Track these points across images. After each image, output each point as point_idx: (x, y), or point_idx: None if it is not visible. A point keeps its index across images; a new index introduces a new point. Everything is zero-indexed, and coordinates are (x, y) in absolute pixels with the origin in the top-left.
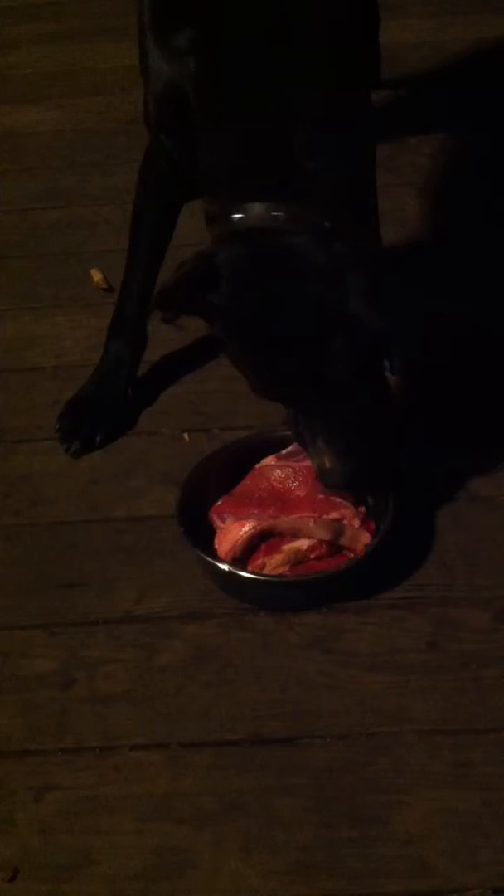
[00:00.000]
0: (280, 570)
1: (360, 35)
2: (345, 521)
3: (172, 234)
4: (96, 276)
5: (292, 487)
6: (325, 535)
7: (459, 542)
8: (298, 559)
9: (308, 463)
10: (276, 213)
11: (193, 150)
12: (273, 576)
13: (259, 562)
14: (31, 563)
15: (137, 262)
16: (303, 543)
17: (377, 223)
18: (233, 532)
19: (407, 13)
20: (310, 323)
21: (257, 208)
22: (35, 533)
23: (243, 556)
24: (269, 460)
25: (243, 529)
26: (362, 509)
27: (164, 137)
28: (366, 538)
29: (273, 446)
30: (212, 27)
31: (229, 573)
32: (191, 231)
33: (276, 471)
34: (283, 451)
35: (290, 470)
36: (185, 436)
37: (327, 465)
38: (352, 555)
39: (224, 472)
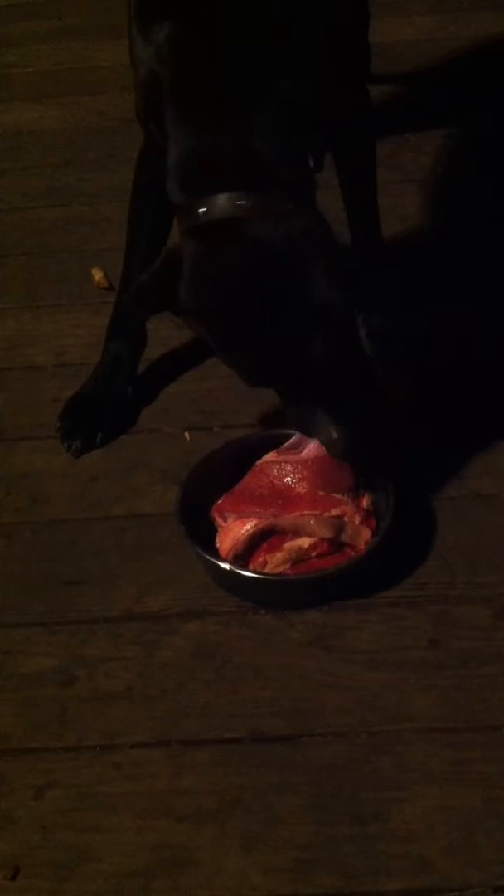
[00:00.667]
0: (281, 568)
1: (345, 28)
2: (345, 518)
3: (170, 230)
4: (97, 274)
5: (293, 484)
6: (326, 532)
7: (460, 539)
8: (300, 557)
9: (308, 457)
10: (239, 203)
11: None
12: (274, 574)
13: (261, 559)
14: (32, 561)
15: (135, 259)
16: (304, 541)
17: (377, 218)
18: (234, 530)
19: (407, 10)
20: (279, 309)
21: (221, 200)
22: (36, 531)
23: (245, 554)
24: (270, 456)
25: (245, 527)
26: (363, 505)
27: (153, 127)
28: (367, 534)
29: (274, 444)
30: (185, 21)
31: (230, 571)
32: None
33: (277, 468)
34: (284, 445)
35: (291, 467)
36: (186, 434)
37: (334, 434)
38: (353, 552)
39: (225, 470)
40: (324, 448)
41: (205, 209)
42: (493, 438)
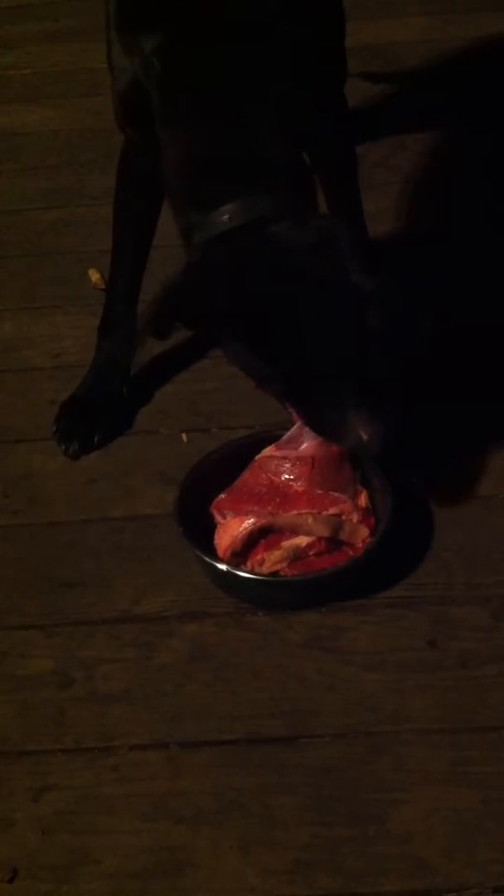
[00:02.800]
0: (279, 567)
1: (324, 35)
2: (343, 517)
3: (155, 229)
4: (94, 275)
5: (291, 481)
6: (324, 531)
7: (458, 540)
8: (298, 555)
9: (306, 454)
10: (260, 206)
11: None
12: (271, 575)
13: (258, 557)
14: (30, 563)
15: (122, 259)
16: (302, 540)
17: (362, 220)
18: (232, 527)
19: (404, 11)
20: (324, 305)
21: (242, 205)
22: (33, 532)
23: (243, 552)
24: (269, 450)
25: (243, 525)
26: (361, 504)
27: (132, 132)
28: (365, 533)
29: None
30: (179, 32)
31: (228, 572)
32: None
33: (275, 464)
34: (282, 439)
35: (289, 464)
36: (184, 435)
37: (364, 436)
38: (351, 552)
39: (222, 471)
40: (321, 444)
41: (227, 216)
42: (491, 439)
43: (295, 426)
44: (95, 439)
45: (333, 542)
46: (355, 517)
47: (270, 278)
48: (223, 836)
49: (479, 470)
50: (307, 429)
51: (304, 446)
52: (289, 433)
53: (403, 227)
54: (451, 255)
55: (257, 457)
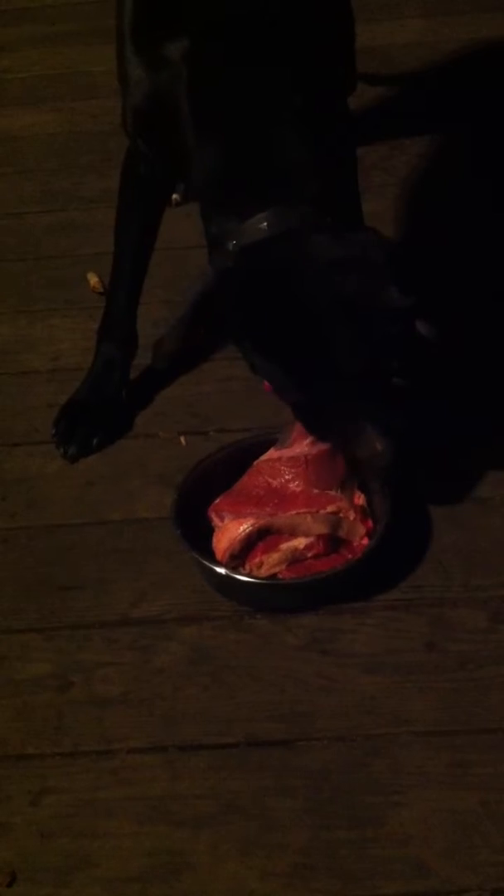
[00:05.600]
0: (278, 569)
1: (338, 43)
2: (341, 514)
3: (157, 234)
4: (92, 279)
5: (287, 482)
6: (322, 529)
7: (456, 542)
8: (296, 558)
9: (299, 454)
10: (297, 214)
11: (172, 154)
12: (269, 578)
13: (256, 560)
14: (28, 566)
15: (124, 263)
16: (300, 542)
17: (361, 219)
18: (231, 530)
19: (401, 13)
20: (355, 323)
21: (276, 213)
22: (31, 536)
23: (241, 555)
24: (269, 454)
25: (241, 527)
26: (358, 502)
27: (142, 144)
28: (362, 530)
29: (269, 448)
30: (205, 37)
31: (226, 576)
32: (184, 234)
33: (271, 466)
34: (279, 442)
35: (283, 465)
36: (182, 438)
37: (378, 448)
38: (349, 555)
39: (221, 474)
40: (311, 443)
41: (266, 223)
42: (489, 442)
43: (287, 427)
44: (94, 442)
45: (331, 545)
46: (352, 514)
47: (303, 292)
48: (222, 839)
49: (477, 472)
50: (298, 428)
51: (295, 446)
52: (283, 435)
53: (401, 230)
54: (450, 258)
55: (256, 461)
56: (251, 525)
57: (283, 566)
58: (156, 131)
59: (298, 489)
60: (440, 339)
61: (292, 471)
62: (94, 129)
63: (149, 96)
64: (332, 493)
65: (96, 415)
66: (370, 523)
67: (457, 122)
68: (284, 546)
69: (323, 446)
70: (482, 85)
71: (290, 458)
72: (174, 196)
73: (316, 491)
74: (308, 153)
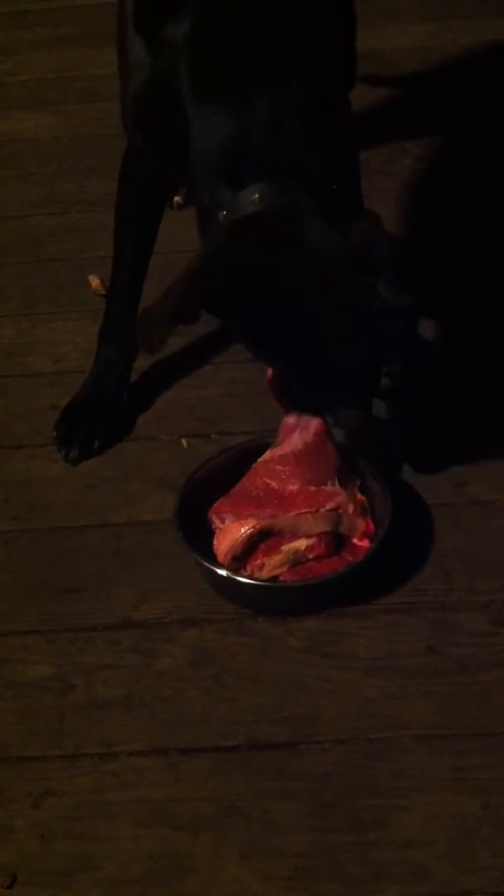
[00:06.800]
0: (279, 571)
1: (340, 28)
2: (340, 510)
3: (157, 236)
4: (94, 281)
5: (284, 481)
6: (324, 526)
7: (458, 545)
8: (297, 559)
9: (290, 451)
10: (290, 190)
11: (172, 149)
12: (271, 580)
13: (258, 562)
14: (30, 569)
15: (123, 265)
16: (301, 543)
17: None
18: (232, 532)
19: (403, 17)
20: (337, 310)
21: (269, 187)
22: (33, 538)
23: (242, 557)
24: (264, 456)
25: (243, 529)
26: (356, 494)
27: (141, 138)
28: (362, 525)
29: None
30: (207, 15)
31: (227, 578)
32: (185, 237)
33: (267, 467)
34: (273, 443)
35: (277, 465)
36: (183, 441)
37: (340, 411)
38: (350, 557)
39: (222, 476)
40: (297, 437)
41: (258, 195)
42: (490, 444)
43: (285, 421)
44: (95, 445)
45: (333, 546)
46: (351, 508)
47: (288, 273)
48: (223, 842)
49: (478, 475)
50: (284, 426)
51: (284, 444)
52: (275, 439)
53: (403, 233)
54: (452, 261)
55: (254, 464)
56: (252, 527)
57: (285, 568)
58: (157, 120)
59: (296, 488)
60: (442, 340)
61: (286, 469)
62: (96, 132)
63: (150, 80)
64: (330, 487)
65: (97, 417)
66: (371, 525)
67: (458, 125)
68: (286, 548)
69: (309, 439)
70: (483, 89)
71: (281, 456)
72: (176, 199)
73: (313, 488)
74: (307, 132)
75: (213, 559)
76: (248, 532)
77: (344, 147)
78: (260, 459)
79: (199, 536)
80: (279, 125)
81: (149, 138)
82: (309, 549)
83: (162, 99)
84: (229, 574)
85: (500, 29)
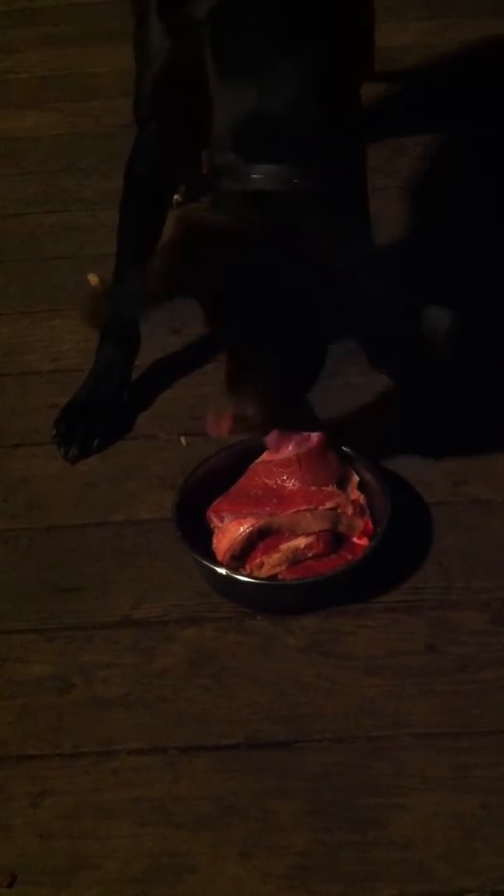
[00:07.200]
0: (278, 569)
1: (357, 21)
2: (339, 510)
3: (160, 235)
4: (93, 280)
5: (284, 482)
6: (323, 525)
7: (457, 544)
8: (296, 557)
9: (292, 455)
10: (292, 179)
11: (188, 135)
12: (270, 579)
13: (257, 561)
14: (29, 568)
15: (126, 263)
16: (301, 542)
17: (368, 222)
18: (231, 530)
19: (403, 16)
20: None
21: (276, 170)
22: (32, 537)
23: (242, 555)
24: (262, 458)
25: (242, 528)
26: (355, 498)
27: (156, 127)
28: (360, 524)
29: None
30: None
31: (227, 576)
32: None
33: (266, 468)
34: (267, 449)
35: (278, 467)
36: (183, 439)
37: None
38: (349, 555)
39: (222, 475)
40: (301, 443)
41: (262, 175)
42: (490, 443)
43: (271, 434)
44: (94, 443)
45: (332, 545)
46: (350, 509)
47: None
48: (222, 840)
49: (478, 474)
50: (277, 434)
51: (282, 450)
52: (267, 443)
53: (403, 232)
54: (452, 260)
55: (251, 465)
56: (251, 525)
57: (284, 566)
58: (175, 104)
59: (296, 487)
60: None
61: (287, 471)
62: (96, 130)
63: (171, 62)
64: (329, 489)
65: (97, 416)
66: (370, 524)
67: (459, 123)
68: (285, 546)
69: (311, 444)
70: (484, 87)
71: (283, 459)
72: (175, 197)
73: (313, 488)
74: (324, 113)
75: (213, 558)
76: (248, 531)
77: (352, 140)
78: (257, 461)
79: (199, 535)
80: (299, 103)
81: (162, 127)
82: (308, 547)
83: (183, 80)
84: (229, 573)
85: (501, 27)
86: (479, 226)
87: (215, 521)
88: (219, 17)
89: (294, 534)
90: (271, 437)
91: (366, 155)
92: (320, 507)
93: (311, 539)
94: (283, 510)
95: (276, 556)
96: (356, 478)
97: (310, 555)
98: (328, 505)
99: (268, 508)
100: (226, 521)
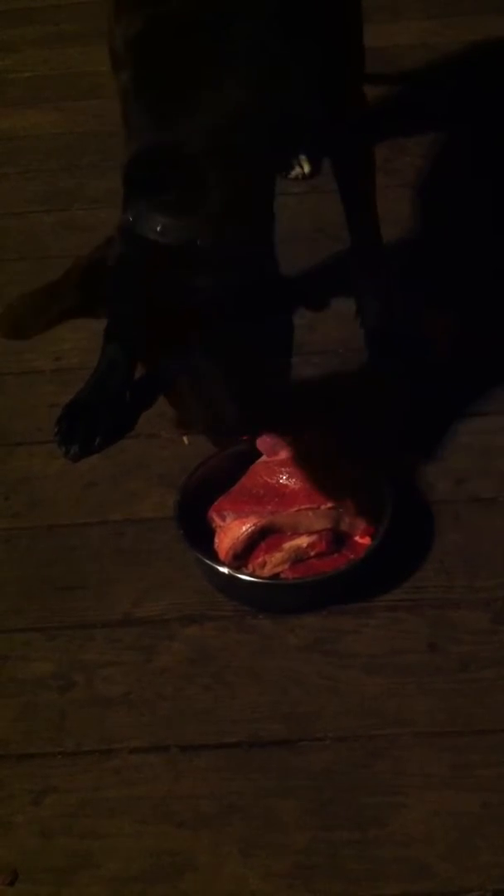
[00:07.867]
0: (281, 568)
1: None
2: (341, 508)
3: None
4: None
5: (284, 480)
6: (325, 523)
7: (459, 543)
8: (299, 556)
9: (288, 457)
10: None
11: None
12: (272, 578)
13: (259, 560)
14: (30, 566)
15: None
16: (303, 541)
17: (377, 224)
18: (233, 530)
19: (404, 15)
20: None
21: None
22: (33, 536)
23: (243, 554)
24: (262, 458)
25: (244, 527)
26: (356, 496)
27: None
28: (362, 524)
29: None
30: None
31: (228, 575)
32: None
33: (268, 468)
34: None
35: (279, 466)
36: (185, 438)
37: (227, 411)
38: (351, 555)
39: (223, 474)
40: (297, 445)
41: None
42: (490, 441)
43: (262, 439)
44: (96, 442)
45: (334, 544)
46: (352, 509)
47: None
48: (224, 839)
49: (479, 472)
50: (270, 439)
51: (281, 453)
52: (264, 446)
53: (404, 232)
54: (452, 259)
55: (252, 465)
56: (253, 524)
57: (286, 566)
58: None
59: (297, 486)
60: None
61: (288, 470)
62: (97, 129)
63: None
64: (330, 488)
65: (99, 414)
66: (372, 523)
67: (459, 123)
68: (287, 545)
69: (308, 448)
70: (484, 86)
71: (283, 460)
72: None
73: (313, 486)
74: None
75: (214, 557)
76: (250, 530)
77: (353, 146)
78: (258, 462)
79: (200, 534)
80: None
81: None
82: (310, 546)
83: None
84: (231, 572)
85: (501, 26)
86: (479, 226)
87: (217, 521)
88: (141, 42)
89: (296, 532)
90: (264, 443)
91: (372, 154)
92: (322, 506)
93: (313, 538)
94: (284, 509)
95: (278, 555)
96: (357, 477)
97: (312, 553)
98: (330, 503)
99: (269, 507)
100: (228, 520)
